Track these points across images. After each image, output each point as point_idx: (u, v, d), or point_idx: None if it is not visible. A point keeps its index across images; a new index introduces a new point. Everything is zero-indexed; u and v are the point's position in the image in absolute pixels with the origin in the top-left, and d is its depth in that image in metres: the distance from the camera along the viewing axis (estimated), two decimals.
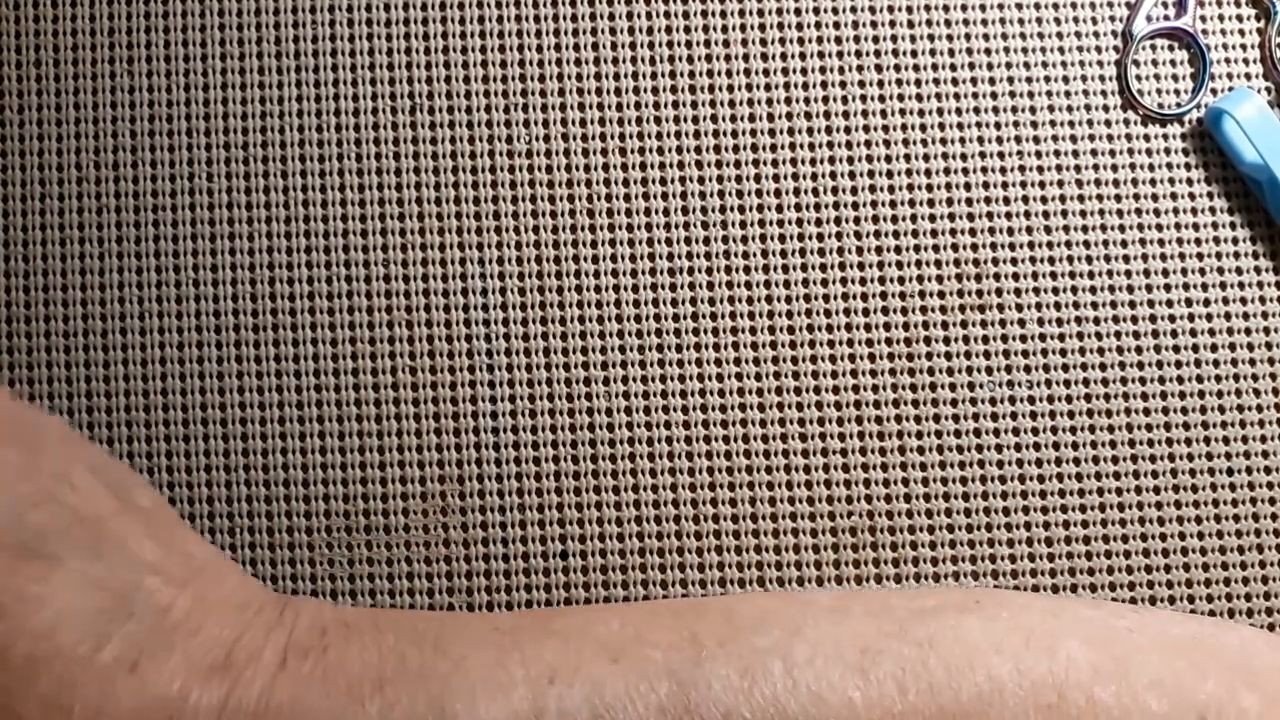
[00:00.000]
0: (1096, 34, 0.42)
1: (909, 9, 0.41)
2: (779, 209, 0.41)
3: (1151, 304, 0.40)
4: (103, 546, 0.31)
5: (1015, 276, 0.40)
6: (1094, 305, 0.40)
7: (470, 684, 0.30)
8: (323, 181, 0.40)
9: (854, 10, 0.41)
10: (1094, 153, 0.41)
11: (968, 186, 0.41)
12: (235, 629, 0.31)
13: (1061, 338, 0.40)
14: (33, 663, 0.29)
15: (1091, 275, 0.41)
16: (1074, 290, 0.40)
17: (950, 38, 0.41)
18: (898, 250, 0.40)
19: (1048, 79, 0.41)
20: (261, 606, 0.33)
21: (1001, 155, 0.41)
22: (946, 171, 0.41)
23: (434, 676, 0.30)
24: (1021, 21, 0.42)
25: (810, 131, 0.41)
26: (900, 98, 0.41)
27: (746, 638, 0.31)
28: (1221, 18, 0.42)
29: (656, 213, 0.40)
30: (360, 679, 0.30)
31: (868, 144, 0.41)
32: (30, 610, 0.29)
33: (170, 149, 0.40)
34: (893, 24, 0.41)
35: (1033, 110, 0.41)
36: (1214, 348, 0.40)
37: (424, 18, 0.41)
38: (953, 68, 0.41)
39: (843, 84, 0.41)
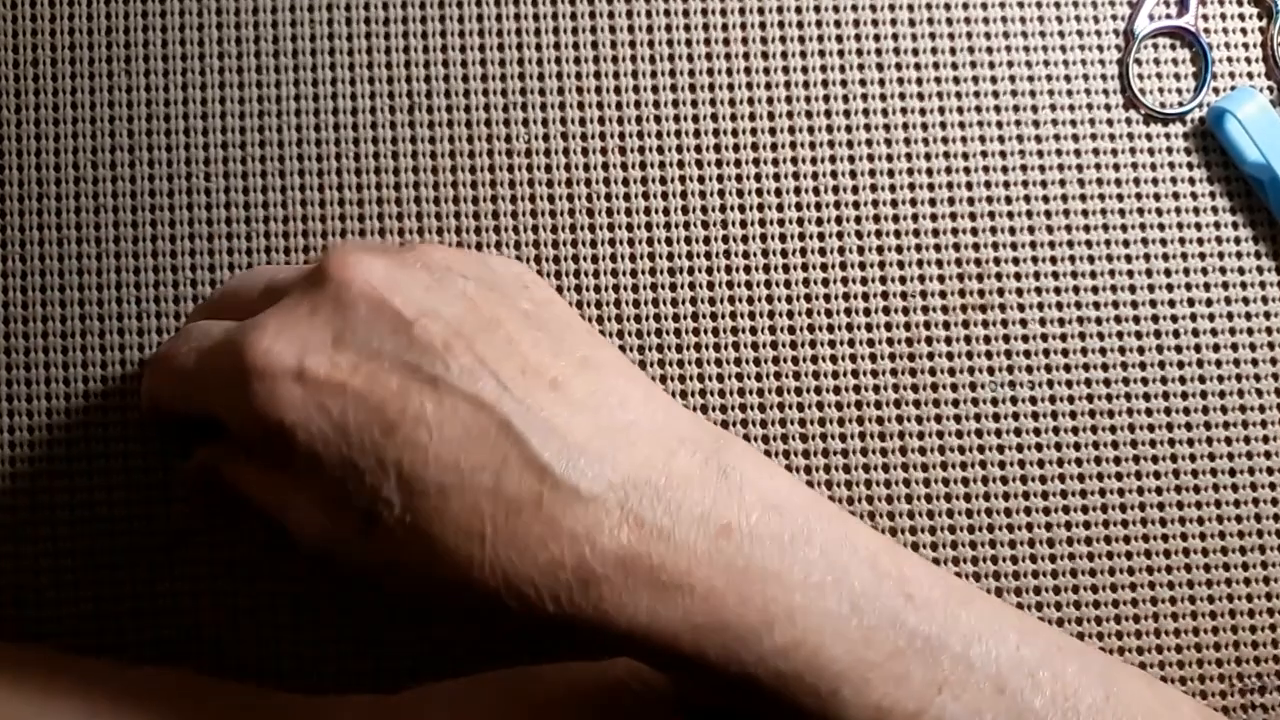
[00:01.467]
0: (1098, 33, 0.41)
1: (910, 7, 0.41)
2: (779, 208, 0.40)
3: (1153, 303, 0.40)
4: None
5: (1017, 275, 0.40)
6: (1096, 304, 0.40)
7: None
8: (322, 181, 0.40)
9: (855, 9, 0.41)
10: (1096, 151, 0.41)
11: (969, 185, 0.41)
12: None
13: (1063, 337, 0.40)
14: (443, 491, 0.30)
15: (1093, 274, 0.40)
16: (1076, 289, 0.40)
17: (952, 36, 0.41)
18: (899, 249, 0.40)
19: (1049, 78, 0.41)
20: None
21: (1003, 154, 0.41)
22: (948, 170, 0.41)
23: None
24: (1023, 20, 0.41)
25: (811, 131, 0.41)
26: (901, 96, 0.41)
27: None
28: (1223, 16, 0.42)
29: (656, 212, 0.40)
30: None
31: (869, 143, 0.41)
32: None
33: (170, 149, 0.40)
34: (894, 22, 0.41)
35: (1034, 109, 0.41)
36: (1216, 347, 0.40)
37: (423, 17, 0.41)
38: (954, 66, 0.41)
39: (843, 83, 0.41)
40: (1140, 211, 0.41)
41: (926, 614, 0.31)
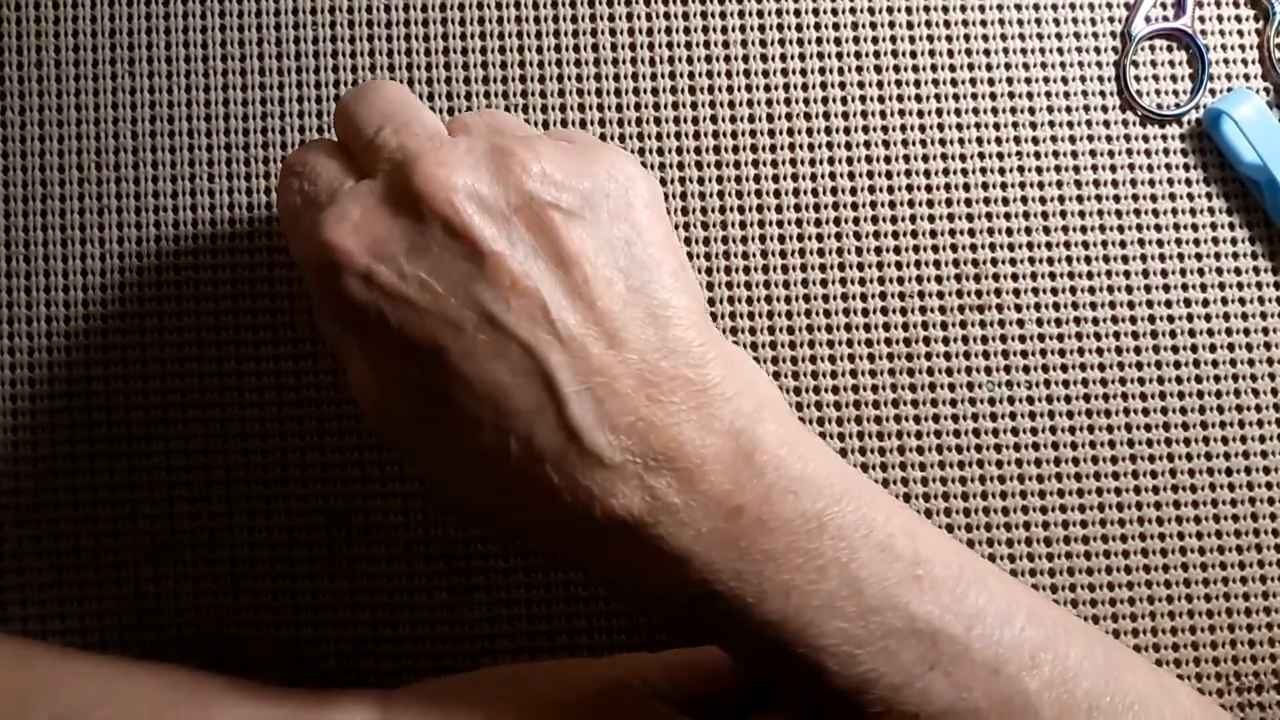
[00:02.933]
0: (1095, 35, 0.42)
1: (908, 10, 0.41)
2: (779, 209, 0.41)
3: (1150, 304, 0.40)
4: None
5: (1014, 277, 0.40)
6: (1093, 306, 0.40)
7: None
8: None
9: (853, 11, 0.41)
10: (1093, 153, 0.41)
11: (967, 187, 0.41)
12: None
13: (1061, 338, 0.40)
14: None
15: (1090, 276, 0.41)
16: (1073, 291, 0.40)
17: (949, 38, 0.41)
18: (897, 250, 0.40)
19: (1047, 80, 0.41)
20: None
21: (1001, 156, 0.41)
22: (946, 172, 0.41)
23: None
24: (1021, 22, 0.42)
25: (810, 132, 0.41)
26: (900, 98, 0.41)
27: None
28: (1220, 18, 0.42)
29: None
30: None
31: (867, 144, 0.41)
32: None
33: (170, 149, 0.40)
34: (892, 25, 0.41)
35: (1032, 111, 0.41)
36: (1213, 348, 0.40)
37: (424, 18, 0.41)
38: (952, 69, 0.41)
39: (842, 85, 0.41)
40: (1137, 213, 0.41)
41: (932, 595, 0.31)
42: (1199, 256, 0.41)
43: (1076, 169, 0.41)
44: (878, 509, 0.32)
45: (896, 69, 0.41)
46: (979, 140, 0.41)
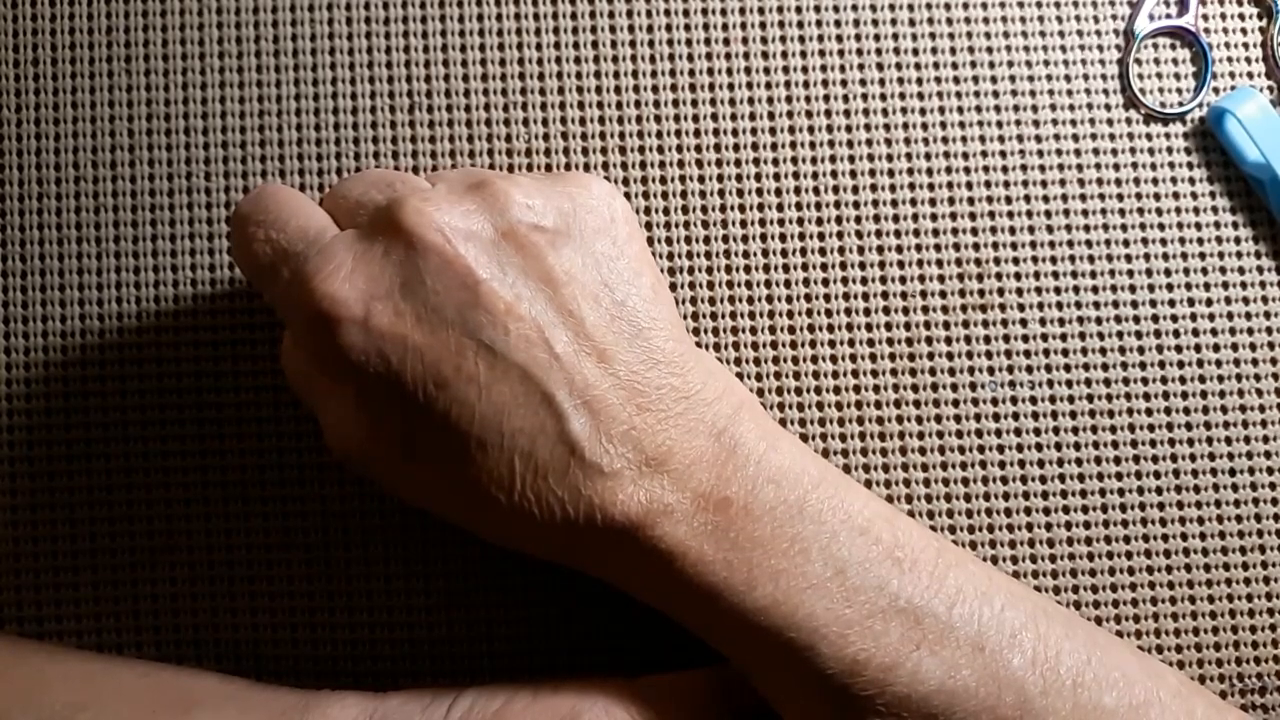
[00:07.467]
0: (1099, 32, 0.41)
1: (910, 7, 0.41)
2: (779, 208, 0.40)
3: (1153, 303, 0.40)
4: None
5: (1017, 275, 0.40)
6: (1096, 304, 0.40)
7: None
8: (321, 181, 0.40)
9: (855, 8, 0.41)
10: (1096, 151, 0.41)
11: (969, 185, 0.41)
12: None
13: (1063, 336, 0.40)
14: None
15: (1093, 274, 0.40)
16: (1076, 289, 0.40)
17: (952, 35, 0.41)
18: (899, 249, 0.40)
19: (1050, 77, 0.41)
20: None
21: (1003, 154, 0.41)
22: (948, 170, 0.41)
23: None
24: (1024, 19, 0.41)
25: (811, 130, 0.41)
26: (902, 95, 0.41)
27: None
28: (1223, 16, 0.42)
29: (656, 212, 0.40)
30: None
31: (869, 142, 0.41)
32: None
33: (170, 149, 0.40)
34: (894, 22, 0.41)
35: (1035, 108, 0.41)
36: (1216, 347, 0.40)
37: (424, 17, 0.41)
38: (954, 66, 0.41)
39: (844, 82, 0.41)
40: (1140, 211, 0.41)
41: (912, 576, 0.33)
42: (1202, 255, 0.41)
43: (1079, 167, 0.41)
44: (854, 497, 0.34)
45: (898, 66, 0.41)
46: (982, 138, 0.41)
